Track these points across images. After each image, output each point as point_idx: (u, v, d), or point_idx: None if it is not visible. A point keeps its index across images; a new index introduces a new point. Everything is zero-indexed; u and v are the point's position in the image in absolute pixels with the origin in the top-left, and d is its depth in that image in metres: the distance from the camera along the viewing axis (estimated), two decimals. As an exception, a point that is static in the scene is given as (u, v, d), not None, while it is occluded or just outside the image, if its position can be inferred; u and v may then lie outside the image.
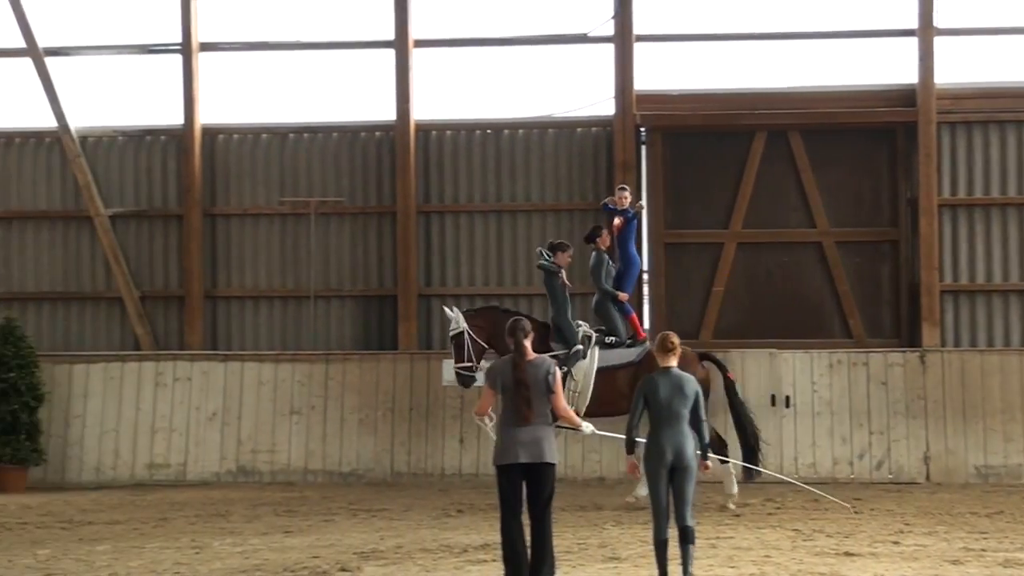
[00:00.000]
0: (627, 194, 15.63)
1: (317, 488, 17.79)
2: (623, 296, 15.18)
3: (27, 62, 20.28)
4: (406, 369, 19.11)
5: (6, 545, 13.26)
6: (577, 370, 14.62)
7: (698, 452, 8.60)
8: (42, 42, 20.22)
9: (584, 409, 14.29)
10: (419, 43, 20.09)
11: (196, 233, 20.00)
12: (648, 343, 14.88)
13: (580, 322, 14.89)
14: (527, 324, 8.94)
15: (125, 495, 17.94)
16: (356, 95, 20.68)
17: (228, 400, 19.20)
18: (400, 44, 19.87)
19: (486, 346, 14.59)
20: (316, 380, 19.06)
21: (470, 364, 14.60)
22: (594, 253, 15.18)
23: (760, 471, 14.76)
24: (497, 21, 20.53)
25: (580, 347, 14.71)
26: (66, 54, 20.68)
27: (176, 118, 20.33)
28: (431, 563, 10.77)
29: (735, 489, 14.44)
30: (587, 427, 9.74)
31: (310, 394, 19.03)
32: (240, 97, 20.85)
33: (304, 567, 10.66)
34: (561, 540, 11.54)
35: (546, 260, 14.93)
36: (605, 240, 15.22)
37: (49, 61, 20.24)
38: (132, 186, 20.63)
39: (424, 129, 19.92)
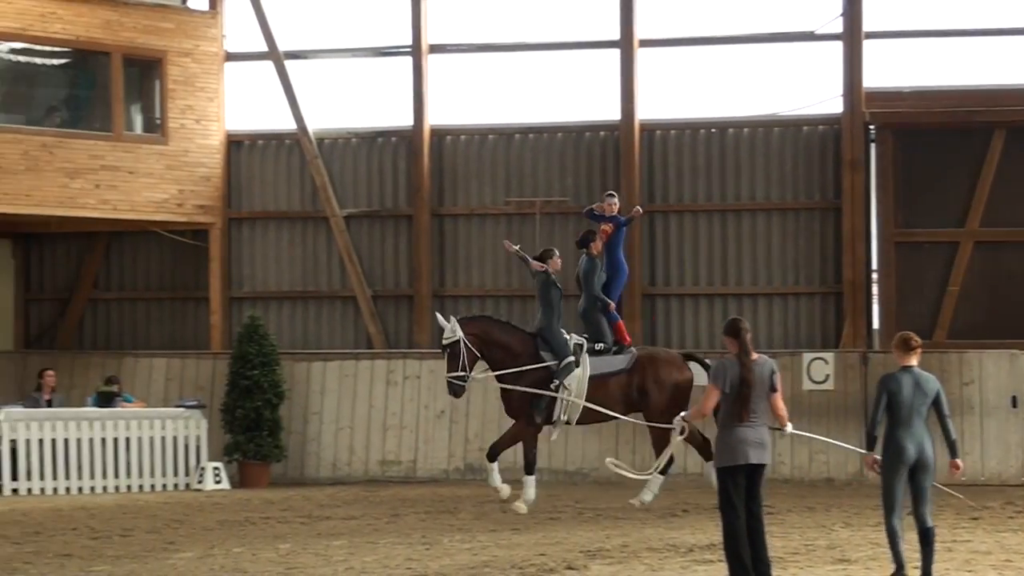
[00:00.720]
0: (615, 201, 15.47)
1: (543, 486, 17.94)
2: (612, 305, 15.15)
3: (268, 65, 21.28)
4: (630, 368, 19.07)
5: (250, 539, 13.89)
6: (571, 380, 14.71)
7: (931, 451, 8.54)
8: (282, 46, 21.18)
9: (576, 418, 14.78)
10: (644, 43, 20.45)
11: (425, 233, 20.59)
12: (634, 349, 15.22)
13: (563, 331, 14.96)
14: (746, 323, 9.03)
15: (359, 491, 18.68)
16: (580, 95, 21.04)
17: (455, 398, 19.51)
18: (625, 44, 20.27)
19: (479, 355, 14.66)
20: (540, 379, 19.07)
21: (463, 373, 14.65)
22: (586, 258, 15.16)
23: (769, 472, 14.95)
24: (722, 20, 20.81)
25: (572, 358, 14.79)
26: (304, 57, 21.62)
27: (406, 119, 21.02)
28: (657, 562, 10.83)
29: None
30: (790, 427, 9.63)
31: (532, 394, 19.08)
32: (467, 98, 21.39)
33: (531, 564, 10.78)
34: (788, 541, 11.78)
35: (539, 272, 15.01)
36: (598, 246, 15.16)
37: (289, 65, 21.19)
38: (364, 187, 21.40)
39: (648, 129, 20.25)
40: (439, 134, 20.88)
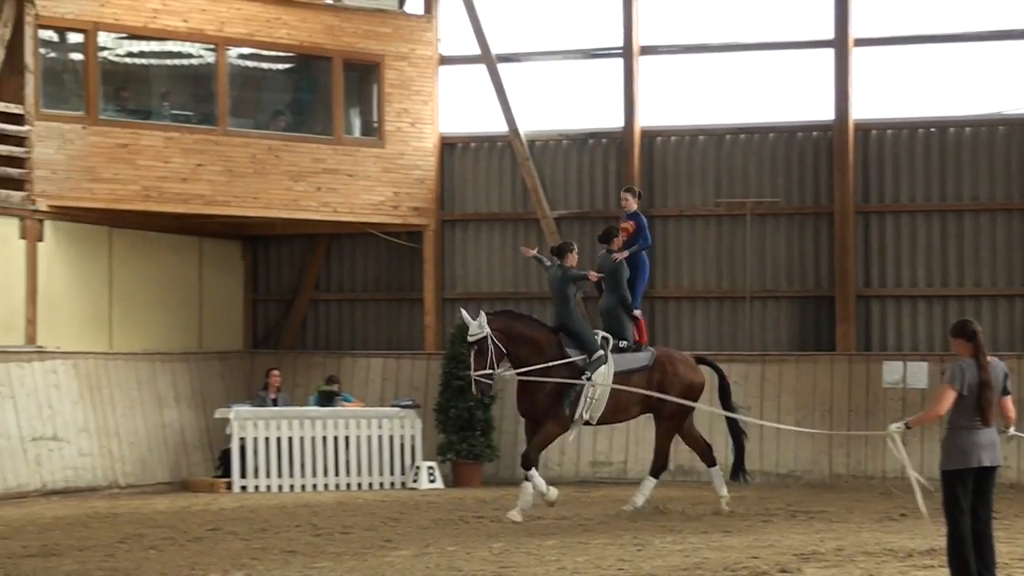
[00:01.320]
0: (629, 196, 15.38)
1: (755, 488, 18.13)
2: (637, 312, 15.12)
3: (481, 68, 21.64)
4: (844, 371, 19.40)
5: (464, 538, 14.11)
6: (598, 376, 14.49)
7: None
8: (495, 49, 21.58)
9: (598, 417, 14.69)
10: (859, 42, 20.37)
11: None
12: (652, 348, 15.26)
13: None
14: (978, 324, 8.92)
15: (571, 491, 18.66)
16: (792, 95, 21.06)
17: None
18: (840, 43, 20.23)
19: (504, 352, 14.42)
20: (752, 381, 19.58)
21: (491, 372, 14.37)
22: (607, 254, 14.97)
23: (749, 475, 15.81)
24: (937, 17, 20.60)
25: (602, 352, 14.61)
26: (516, 60, 21.93)
27: (616, 121, 21.16)
28: (874, 567, 10.71)
29: (725, 491, 15.00)
30: (1013, 429, 9.40)
31: (746, 394, 19.27)
32: (677, 99, 21.48)
33: (744, 567, 10.75)
34: (1015, 547, 11.57)
35: (553, 265, 14.90)
36: (619, 242, 14.96)
37: (501, 68, 21.56)
38: (575, 188, 21.68)
39: (863, 128, 20.16)
40: (649, 135, 20.92)
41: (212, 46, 20.65)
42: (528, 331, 14.58)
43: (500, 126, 21.77)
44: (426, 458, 20.19)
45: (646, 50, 21.09)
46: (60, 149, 19.37)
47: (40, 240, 19.24)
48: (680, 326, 20.91)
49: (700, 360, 15.62)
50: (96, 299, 20.75)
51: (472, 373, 14.28)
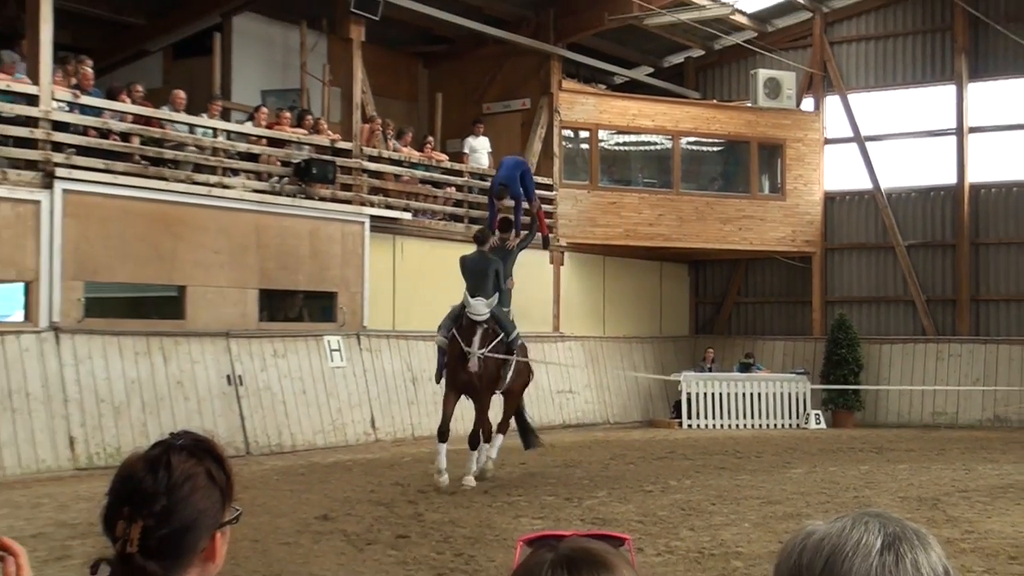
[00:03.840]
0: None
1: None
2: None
3: (853, 146, 25.59)
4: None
5: (840, 462, 16.04)
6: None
7: None
8: (864, 132, 25.42)
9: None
10: None
11: (964, 257, 24.38)
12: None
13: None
14: None
15: (917, 432, 21.72)
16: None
17: (987, 370, 23.44)
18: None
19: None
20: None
21: (485, 348, 14.09)
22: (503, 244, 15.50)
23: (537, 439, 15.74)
24: None
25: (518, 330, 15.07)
26: (878, 140, 25.58)
27: (950, 178, 24.72)
28: None
29: (475, 468, 14.43)
30: None
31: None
32: (998, 162, 24.39)
33: None
34: None
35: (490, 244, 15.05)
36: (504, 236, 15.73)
37: (868, 145, 25.34)
38: (921, 225, 25.22)
39: None
40: (975, 188, 24.68)
41: (670, 136, 24.75)
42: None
43: (866, 184, 25.81)
44: (814, 408, 23.28)
45: (974, 129, 24.92)
46: (573, 206, 23.69)
47: (562, 264, 23.55)
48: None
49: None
50: (595, 302, 24.73)
51: (477, 351, 13.91)
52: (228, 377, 17.00)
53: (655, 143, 25.48)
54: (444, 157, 22.52)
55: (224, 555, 2.25)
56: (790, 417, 23.44)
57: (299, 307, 19.56)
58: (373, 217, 19.90)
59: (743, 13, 25.81)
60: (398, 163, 21.45)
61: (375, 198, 20.46)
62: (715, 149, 26.47)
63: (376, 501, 12.72)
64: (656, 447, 18.59)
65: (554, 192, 23.49)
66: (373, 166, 20.72)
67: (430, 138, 22.61)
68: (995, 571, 9.14)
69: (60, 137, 16.00)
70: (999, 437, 20.38)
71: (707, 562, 9.54)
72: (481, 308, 13.86)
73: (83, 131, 16.47)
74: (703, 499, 12.76)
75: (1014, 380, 22.79)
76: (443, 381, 14.62)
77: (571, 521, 11.41)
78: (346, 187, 19.93)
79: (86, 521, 10.21)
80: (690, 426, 23.24)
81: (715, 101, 26.40)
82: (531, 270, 22.52)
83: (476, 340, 13.81)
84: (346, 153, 20.13)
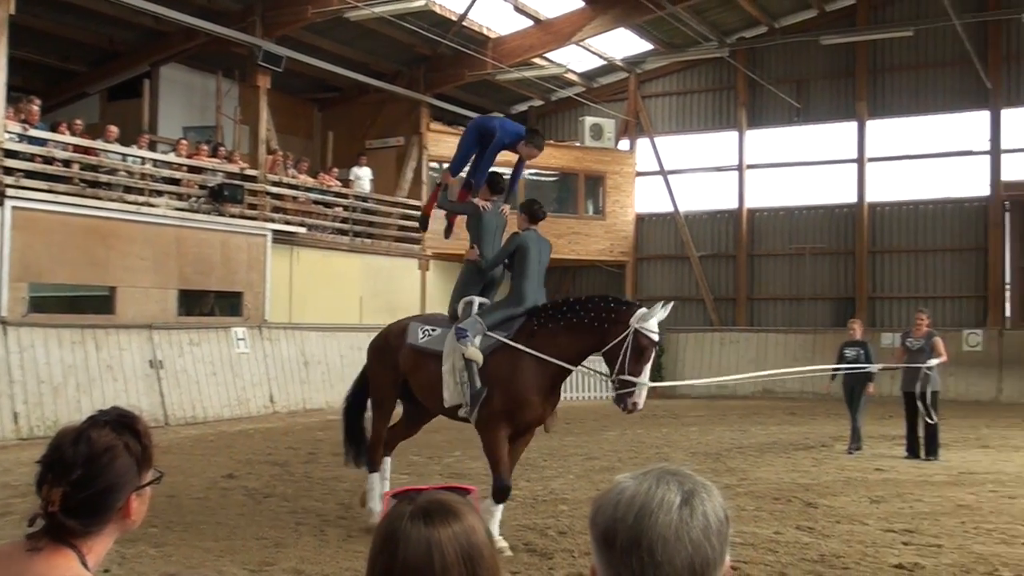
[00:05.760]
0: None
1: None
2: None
3: (659, 178, 26.29)
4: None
5: (643, 425, 16.11)
6: None
7: None
8: (666, 166, 26.13)
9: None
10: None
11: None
12: None
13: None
14: None
15: (705, 402, 21.90)
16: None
17: (759, 353, 24.06)
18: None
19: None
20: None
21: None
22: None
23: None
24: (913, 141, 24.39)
25: None
26: (677, 173, 26.22)
27: (732, 203, 25.65)
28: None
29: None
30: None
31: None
32: (768, 191, 25.36)
33: None
34: None
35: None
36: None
37: (670, 177, 26.19)
38: (710, 238, 26.10)
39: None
40: (752, 212, 25.73)
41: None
42: None
43: (668, 207, 26.67)
44: None
45: (751, 166, 26.08)
46: (438, 223, 24.80)
47: (427, 270, 23.70)
48: None
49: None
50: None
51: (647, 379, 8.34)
52: (150, 362, 16.73)
53: (504, 173, 25.30)
54: (334, 182, 22.62)
55: (143, 512, 2.23)
56: (607, 391, 23.38)
57: (211, 304, 19.33)
58: (274, 231, 19.92)
59: (574, 72, 26.59)
60: (295, 187, 21.52)
61: (276, 215, 20.46)
62: (551, 179, 26.45)
63: (273, 462, 12.57)
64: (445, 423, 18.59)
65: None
66: (275, 189, 20.78)
67: (329, 172, 22.57)
68: (762, 509, 9.39)
69: (11, 163, 15.72)
70: (768, 405, 21.00)
71: (539, 507, 9.66)
72: (655, 323, 7.48)
73: (31, 158, 16.20)
74: (537, 456, 12.74)
75: (779, 362, 23.14)
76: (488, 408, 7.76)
77: (432, 476, 11.36)
78: (252, 207, 19.99)
79: (26, 483, 9.90)
80: (530, 399, 23.36)
81: (551, 141, 25.96)
82: (404, 273, 23.00)
83: (648, 368, 7.44)
84: (253, 179, 20.25)
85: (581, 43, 24.19)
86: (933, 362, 12.77)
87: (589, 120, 26.13)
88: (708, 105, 26.80)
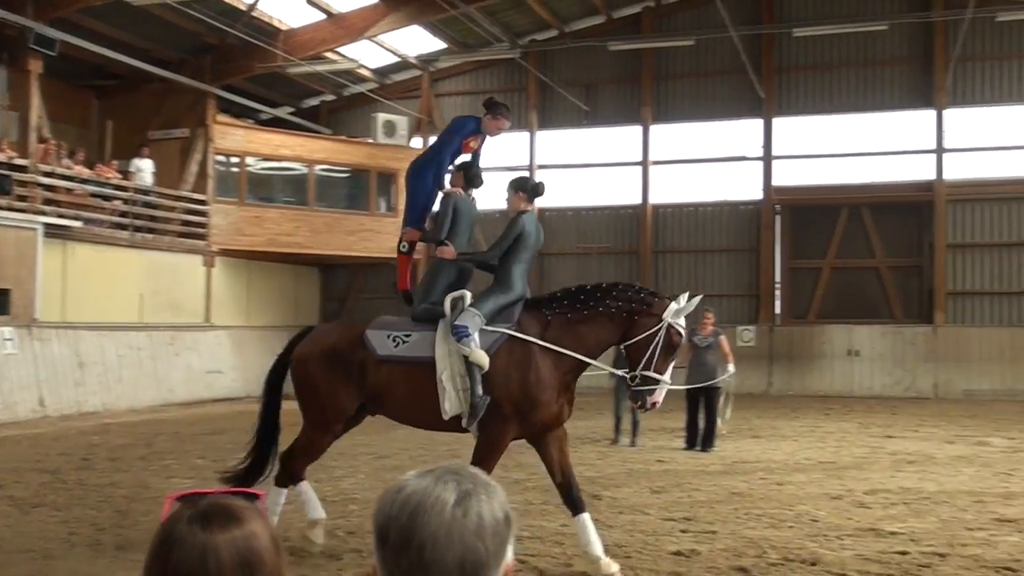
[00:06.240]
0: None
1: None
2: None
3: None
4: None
5: None
6: None
7: None
8: None
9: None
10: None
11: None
12: None
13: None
14: None
15: None
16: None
17: None
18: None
19: None
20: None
21: None
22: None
23: None
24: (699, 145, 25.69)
25: None
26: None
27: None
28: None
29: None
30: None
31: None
32: (563, 190, 25.36)
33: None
34: None
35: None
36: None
37: None
38: None
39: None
40: (542, 211, 26.77)
41: (306, 164, 24.80)
42: None
43: None
44: None
45: (541, 167, 26.55)
46: (224, 219, 23.42)
47: (213, 267, 23.28)
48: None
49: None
50: (241, 298, 24.69)
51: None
52: (-95, 364, 15.62)
53: (294, 169, 25.24)
54: (113, 174, 21.83)
55: None
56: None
57: (-25, 302, 18.37)
58: (46, 224, 18.92)
59: (367, 68, 26.61)
60: (70, 179, 20.60)
61: (48, 208, 19.47)
62: (343, 175, 26.30)
63: (43, 469, 11.97)
64: (290, 416, 18.32)
65: (208, 207, 23.24)
66: (47, 180, 19.80)
67: (108, 163, 21.75)
68: (549, 503, 9.45)
69: None
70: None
71: (329, 507, 9.39)
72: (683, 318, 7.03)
73: None
74: (326, 456, 12.46)
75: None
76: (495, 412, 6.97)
77: (215, 481, 11.07)
78: (22, 198, 18.97)
79: None
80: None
81: (344, 137, 26.38)
82: (188, 270, 22.50)
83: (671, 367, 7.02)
84: (22, 169, 19.22)
85: (374, 39, 24.24)
86: (731, 367, 13.37)
87: (382, 117, 26.02)
88: (500, 105, 27.24)
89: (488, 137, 7.91)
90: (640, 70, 26.06)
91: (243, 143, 24.13)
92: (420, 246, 7.83)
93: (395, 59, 26.54)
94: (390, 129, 25.89)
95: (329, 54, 24.27)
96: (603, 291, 6.98)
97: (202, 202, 23.08)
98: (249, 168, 24.46)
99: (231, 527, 1.60)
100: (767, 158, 25.38)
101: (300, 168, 25.19)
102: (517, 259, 7.15)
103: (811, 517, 8.85)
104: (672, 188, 26.06)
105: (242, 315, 24.65)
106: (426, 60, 26.87)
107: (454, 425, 7.07)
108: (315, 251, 24.93)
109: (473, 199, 7.87)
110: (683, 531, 8.38)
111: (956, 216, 24.20)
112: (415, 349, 7.12)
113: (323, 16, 23.29)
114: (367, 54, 25.58)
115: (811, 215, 24.82)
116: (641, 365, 6.74)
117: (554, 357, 6.89)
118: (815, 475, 11.41)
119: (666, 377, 6.81)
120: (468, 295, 7.19)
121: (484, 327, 6.92)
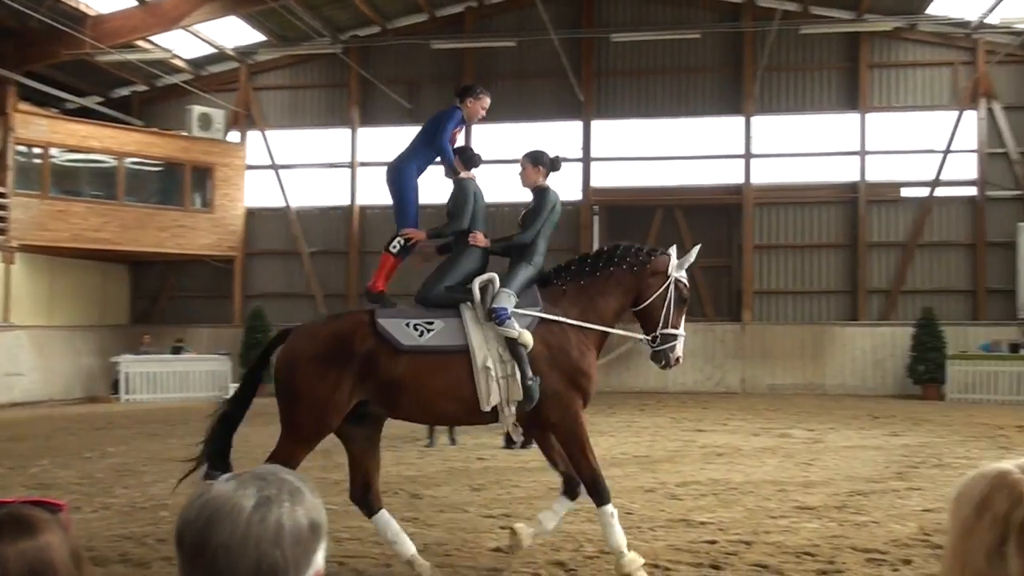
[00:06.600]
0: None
1: None
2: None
3: (270, 172, 25.96)
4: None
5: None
6: None
7: None
8: (278, 161, 25.86)
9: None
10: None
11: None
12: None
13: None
14: None
15: None
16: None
17: None
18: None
19: None
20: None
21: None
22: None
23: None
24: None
25: None
26: (289, 167, 26.04)
27: (345, 200, 25.91)
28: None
29: None
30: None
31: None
32: (379, 189, 25.68)
33: None
34: None
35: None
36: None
37: (281, 172, 25.91)
38: (322, 236, 26.20)
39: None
40: (363, 209, 26.19)
41: (116, 157, 23.97)
42: None
43: (280, 202, 26.49)
44: (232, 382, 21.38)
45: (363, 164, 26.26)
46: (25, 212, 22.33)
47: (12, 263, 22.26)
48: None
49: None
50: (43, 296, 23.82)
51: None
52: None
53: (103, 161, 24.29)
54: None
55: None
56: (213, 390, 23.11)
57: None
58: None
59: (181, 58, 25.79)
60: None
61: None
62: (155, 169, 25.48)
63: None
64: (97, 419, 17.89)
65: (7, 200, 22.15)
66: None
67: None
68: (419, 496, 9.70)
69: None
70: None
71: (139, 514, 9.27)
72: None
73: None
74: (136, 461, 12.31)
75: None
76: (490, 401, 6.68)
77: (14, 488, 10.56)
78: None
79: None
80: (128, 400, 22.78)
81: (156, 130, 25.56)
82: None
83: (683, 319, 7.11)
84: None
85: (189, 28, 23.52)
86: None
87: (197, 109, 25.48)
88: (321, 101, 26.92)
89: (466, 123, 7.74)
90: (463, 70, 26.12)
91: (47, 133, 23.04)
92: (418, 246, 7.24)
93: (212, 50, 25.82)
94: (206, 122, 25.38)
95: (141, 43, 23.46)
96: (605, 257, 7.00)
97: (1, 195, 22.00)
98: (53, 160, 23.41)
99: (23, 538, 1.53)
100: (586, 160, 25.81)
101: (109, 160, 24.29)
102: (543, 233, 7.17)
103: (626, 510, 9.02)
104: (493, 188, 25.87)
105: (44, 314, 23.78)
106: (244, 52, 26.33)
107: (487, 417, 6.70)
108: (124, 247, 24.24)
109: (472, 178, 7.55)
110: (502, 527, 8.42)
111: (762, 218, 25.26)
112: (444, 338, 6.64)
113: (135, 3, 22.42)
114: (182, 44, 24.85)
115: (628, 216, 25.35)
116: (660, 324, 6.81)
117: (584, 329, 6.82)
118: (630, 469, 11.68)
119: (681, 330, 6.90)
120: (496, 277, 6.90)
121: (515, 310, 6.70)
